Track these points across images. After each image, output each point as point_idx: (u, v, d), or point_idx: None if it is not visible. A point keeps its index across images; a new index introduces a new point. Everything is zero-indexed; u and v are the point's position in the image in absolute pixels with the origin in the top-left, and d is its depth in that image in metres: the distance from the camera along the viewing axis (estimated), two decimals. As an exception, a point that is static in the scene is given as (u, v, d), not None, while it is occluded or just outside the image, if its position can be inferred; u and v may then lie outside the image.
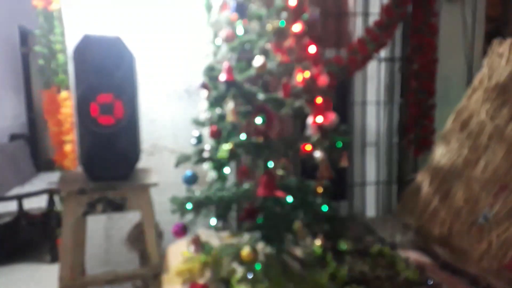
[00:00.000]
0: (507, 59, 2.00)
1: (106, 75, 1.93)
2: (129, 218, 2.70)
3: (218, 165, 2.06)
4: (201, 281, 1.85)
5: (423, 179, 2.17)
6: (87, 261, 2.19)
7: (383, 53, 2.96)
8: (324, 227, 1.83)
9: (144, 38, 2.50)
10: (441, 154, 2.14)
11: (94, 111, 1.91)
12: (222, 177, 2.12)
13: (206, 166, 2.12)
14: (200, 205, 1.80)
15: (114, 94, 1.95)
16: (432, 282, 1.82)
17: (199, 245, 1.80)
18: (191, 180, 1.89)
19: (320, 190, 1.92)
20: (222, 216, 1.90)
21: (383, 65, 3.03)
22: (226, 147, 1.64)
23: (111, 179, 1.96)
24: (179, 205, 1.80)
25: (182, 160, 1.90)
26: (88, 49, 1.90)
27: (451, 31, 3.04)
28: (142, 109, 2.59)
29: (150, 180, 2.08)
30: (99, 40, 1.91)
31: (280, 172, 2.03)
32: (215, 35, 2.07)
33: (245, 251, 1.73)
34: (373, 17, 2.81)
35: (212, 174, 2.15)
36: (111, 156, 1.97)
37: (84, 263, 2.16)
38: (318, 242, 1.75)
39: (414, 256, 2.17)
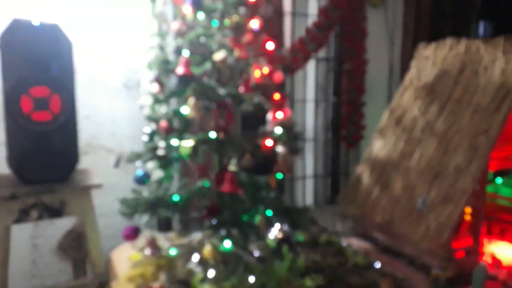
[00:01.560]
0: (433, 62, 2.25)
1: (40, 66, 1.73)
2: (60, 225, 2.44)
3: (165, 164, 1.97)
4: (156, 284, 1.76)
5: (363, 171, 2.34)
6: (9, 275, 1.94)
7: (320, 53, 3.11)
8: (283, 220, 1.87)
9: (78, 27, 2.27)
10: (379, 147, 2.33)
11: (27, 107, 1.69)
12: (168, 177, 2.03)
13: (151, 165, 2.01)
14: (154, 206, 1.70)
15: (50, 87, 1.75)
16: (379, 266, 1.98)
17: (156, 247, 1.70)
18: (143, 179, 1.78)
19: (273, 184, 1.95)
20: (181, 216, 1.83)
21: (314, 65, 3.17)
22: (189, 143, 1.57)
23: (47, 181, 1.76)
24: (130, 207, 1.68)
25: (133, 158, 1.78)
26: (18, 36, 1.67)
27: (375, 36, 3.31)
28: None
29: (92, 181, 1.91)
30: (32, 25, 1.69)
31: (232, 168, 2.01)
32: (160, 28, 1.96)
33: (207, 250, 1.68)
34: (312, 18, 2.93)
35: (158, 173, 2.05)
36: (48, 157, 1.77)
37: (6, 279, 1.90)
38: (279, 235, 1.77)
39: (356, 242, 2.33)
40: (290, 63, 2.69)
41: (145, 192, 1.87)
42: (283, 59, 2.68)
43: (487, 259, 2.03)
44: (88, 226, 1.88)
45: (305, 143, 3.17)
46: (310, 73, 3.12)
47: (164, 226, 1.95)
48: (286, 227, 2.01)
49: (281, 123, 1.78)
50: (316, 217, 2.77)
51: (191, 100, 1.59)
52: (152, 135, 1.83)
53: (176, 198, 1.75)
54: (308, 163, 3.22)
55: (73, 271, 2.49)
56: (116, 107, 2.49)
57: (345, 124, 3.12)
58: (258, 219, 1.70)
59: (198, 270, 1.79)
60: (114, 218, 2.05)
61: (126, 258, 1.97)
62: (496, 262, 1.97)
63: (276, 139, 1.71)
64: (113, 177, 2.47)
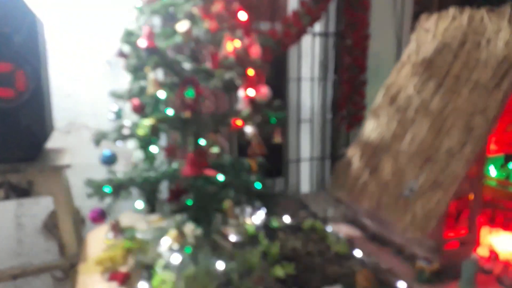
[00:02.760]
0: (433, 34, 2.04)
1: (1, 41, 1.65)
2: (45, 204, 2.43)
3: (144, 144, 1.89)
4: (124, 269, 1.70)
5: (353, 154, 2.18)
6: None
7: (317, 27, 2.92)
8: (257, 205, 1.76)
9: (59, 2, 2.19)
10: (371, 129, 2.16)
11: (-13, 83, 1.63)
12: (149, 157, 1.95)
13: (131, 145, 1.93)
14: (120, 188, 1.63)
15: (13, 63, 1.68)
16: (361, 255, 1.85)
17: (118, 230, 1.63)
18: (110, 160, 1.70)
19: (254, 167, 1.84)
20: (149, 198, 1.75)
21: (317, 41, 2.99)
22: (147, 122, 1.47)
23: (13, 161, 1.71)
24: (96, 188, 1.61)
25: (99, 137, 1.69)
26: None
27: (381, 8, 3.07)
28: (56, 82, 2.30)
29: (62, 161, 1.85)
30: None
31: (214, 150, 1.92)
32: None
33: (172, 235, 1.60)
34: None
35: (138, 154, 1.97)
36: (12, 135, 1.71)
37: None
38: (249, 220, 1.67)
39: (344, 229, 2.20)
40: (283, 38, 2.53)
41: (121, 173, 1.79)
42: (274, 34, 2.52)
43: (483, 251, 1.86)
44: (58, 206, 1.84)
45: (301, 124, 3.03)
46: (307, 50, 2.95)
47: (150, 208, 1.88)
48: (261, 213, 1.91)
49: (254, 102, 1.65)
50: (309, 202, 2.66)
51: (151, 75, 1.48)
52: (118, 113, 1.73)
53: (144, 179, 1.67)
54: (304, 146, 3.08)
55: (59, 251, 2.49)
56: (99, 85, 2.41)
57: (344, 104, 2.95)
58: (227, 204, 1.59)
59: (168, 255, 1.72)
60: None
61: (100, 241, 1.93)
62: (493, 254, 1.80)
63: (245, 119, 1.58)
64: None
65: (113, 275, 1.63)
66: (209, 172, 1.74)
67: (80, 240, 2.05)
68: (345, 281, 1.64)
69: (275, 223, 1.91)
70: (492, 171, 2.37)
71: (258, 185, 1.83)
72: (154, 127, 1.46)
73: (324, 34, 2.94)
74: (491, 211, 2.19)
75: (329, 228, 2.05)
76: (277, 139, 1.90)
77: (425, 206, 1.66)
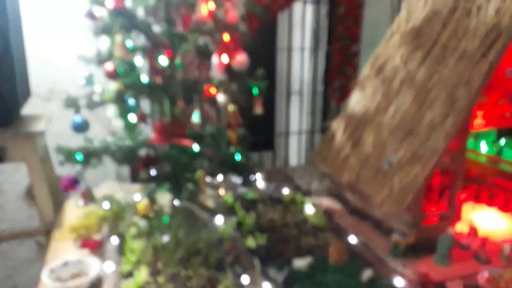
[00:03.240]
0: (425, 2, 1.93)
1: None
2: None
3: (123, 112, 1.84)
4: (98, 237, 1.69)
5: (338, 127, 2.13)
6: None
7: (309, -6, 2.80)
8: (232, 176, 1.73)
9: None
10: (356, 101, 2.09)
11: None
12: (128, 126, 1.90)
13: (110, 113, 1.88)
14: (91, 155, 1.59)
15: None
16: (336, 227, 1.83)
17: (89, 198, 1.61)
18: (81, 127, 1.65)
19: (233, 138, 1.79)
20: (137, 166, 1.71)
21: (309, 9, 2.87)
22: (113, 87, 1.42)
23: (-17, 126, 1.67)
24: (66, 155, 1.58)
25: (69, 103, 1.65)
26: None
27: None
28: (34, 48, 2.24)
29: (36, 128, 1.81)
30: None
31: (195, 119, 1.87)
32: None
33: (141, 204, 1.58)
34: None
35: (116, 122, 1.93)
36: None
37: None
38: (221, 191, 1.64)
39: (326, 202, 2.17)
40: (270, 4, 2.42)
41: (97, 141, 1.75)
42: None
43: (463, 227, 1.83)
44: (32, 173, 1.81)
45: (291, 97, 2.96)
46: (298, 18, 2.83)
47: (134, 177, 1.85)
48: (236, 184, 1.88)
49: (231, 70, 1.58)
50: (295, 175, 2.63)
51: (118, 38, 1.42)
52: (89, 79, 1.68)
53: (118, 148, 1.63)
54: (294, 119, 3.02)
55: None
56: (81, 50, 2.34)
57: (336, 75, 2.86)
58: (199, 174, 1.56)
59: (143, 223, 1.71)
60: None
61: (78, 208, 1.92)
62: (472, 230, 1.77)
63: (218, 87, 1.52)
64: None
65: (85, 243, 1.62)
66: (185, 142, 1.70)
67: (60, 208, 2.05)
68: (318, 253, 1.62)
69: (250, 195, 1.88)
70: (483, 147, 2.31)
71: (237, 157, 1.80)
72: (120, 92, 1.41)
73: (316, 1, 2.82)
74: (476, 187, 2.16)
75: (310, 201, 2.02)
76: (258, 110, 1.85)
77: (402, 180, 1.61)
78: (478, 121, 1.92)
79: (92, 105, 1.64)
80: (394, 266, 1.57)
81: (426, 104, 1.69)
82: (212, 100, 1.54)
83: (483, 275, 1.47)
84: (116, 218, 1.78)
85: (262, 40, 2.92)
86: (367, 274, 1.43)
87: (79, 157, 1.60)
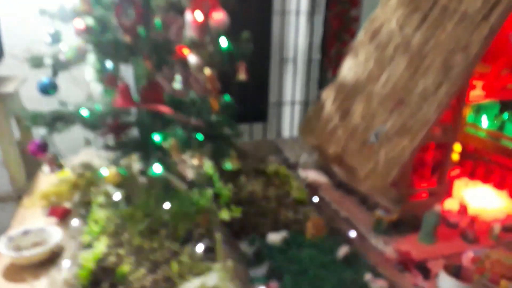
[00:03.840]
0: (426, -41, 1.75)
1: None
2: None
3: (100, 75, 1.72)
4: (68, 204, 1.63)
5: (327, 97, 2.00)
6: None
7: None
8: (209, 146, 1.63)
9: None
10: (348, 68, 1.96)
11: None
12: (109, 91, 1.80)
13: (88, 75, 1.77)
14: (57, 120, 1.50)
15: None
16: (317, 200, 1.74)
17: (55, 165, 1.53)
18: (47, 88, 1.55)
19: (214, 106, 1.68)
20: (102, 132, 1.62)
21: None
22: (74, 45, 1.30)
23: None
24: (31, 119, 1.49)
25: (35, 63, 1.53)
26: None
27: None
28: (7, 5, 2.11)
29: (4, 89, 1.72)
30: None
31: (177, 85, 1.76)
32: None
33: (109, 172, 1.50)
34: None
35: (95, 86, 1.82)
36: None
37: None
38: (195, 161, 1.55)
39: (313, 175, 2.08)
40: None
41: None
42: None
43: (453, 204, 1.74)
44: (1, 136, 1.73)
45: (286, 65, 2.81)
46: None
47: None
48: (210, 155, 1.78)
49: (206, 28, 1.45)
50: (285, 147, 2.52)
51: (80, -10, 1.29)
52: (56, 37, 1.55)
53: (84, 112, 1.53)
54: (288, 88, 2.88)
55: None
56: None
57: (333, 42, 2.70)
58: (170, 142, 1.46)
59: (115, 192, 1.63)
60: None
61: (53, 175, 1.85)
62: (462, 208, 1.68)
63: (191, 47, 1.40)
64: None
65: (52, 210, 1.55)
66: (161, 108, 1.59)
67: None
68: (295, 227, 1.54)
69: (228, 166, 1.79)
70: (484, 122, 2.18)
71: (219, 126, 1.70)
72: (81, 50, 1.29)
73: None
74: (472, 163, 2.04)
75: (294, 174, 1.92)
76: (241, 76, 1.73)
77: (388, 153, 1.50)
78: (477, 92, 1.78)
79: (59, 65, 1.52)
80: (375, 243, 1.48)
81: (420, 71, 1.55)
82: (185, 62, 1.42)
83: (468, 255, 1.38)
84: (89, 186, 1.71)
85: (257, 2, 2.75)
86: (343, 251, 1.35)
87: (42, 120, 1.50)
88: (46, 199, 1.66)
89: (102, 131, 1.43)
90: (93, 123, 1.54)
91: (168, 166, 1.60)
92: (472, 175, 2.01)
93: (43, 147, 1.57)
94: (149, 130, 1.50)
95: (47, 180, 1.82)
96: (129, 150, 1.45)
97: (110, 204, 1.48)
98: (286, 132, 3.02)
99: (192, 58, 1.40)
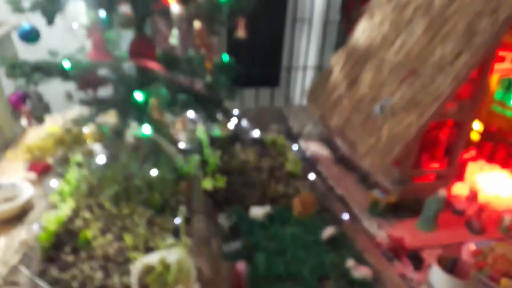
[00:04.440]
0: None
1: None
2: None
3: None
4: (51, 160, 1.57)
5: (336, 62, 1.82)
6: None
7: None
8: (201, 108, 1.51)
9: None
10: (362, 31, 1.76)
11: None
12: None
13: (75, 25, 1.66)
14: (35, 70, 1.40)
15: None
16: (313, 175, 1.61)
17: (32, 118, 1.46)
18: (28, 35, 1.45)
19: (208, 64, 1.55)
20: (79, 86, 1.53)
21: None
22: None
23: None
24: (9, 68, 1.40)
25: (14, 6, 1.43)
26: None
27: None
28: None
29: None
30: None
31: (173, 41, 1.63)
32: None
33: (88, 130, 1.41)
34: None
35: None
36: None
37: None
38: (178, 125, 1.44)
39: (314, 148, 1.94)
40: None
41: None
42: None
43: (463, 189, 1.57)
44: (-13, 87, 1.67)
45: (301, 25, 2.60)
46: None
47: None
48: (198, 118, 1.67)
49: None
50: (292, 115, 2.37)
51: None
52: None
53: (66, 64, 1.43)
54: (301, 52, 2.69)
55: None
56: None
57: (353, 2, 2.46)
58: (151, 102, 1.34)
59: (99, 151, 1.56)
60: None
61: (43, 130, 1.79)
62: (472, 194, 1.51)
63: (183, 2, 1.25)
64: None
65: (33, 165, 1.50)
66: (150, 64, 1.47)
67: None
68: (284, 202, 1.43)
69: (217, 132, 1.67)
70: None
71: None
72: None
73: None
74: (492, 145, 1.84)
75: (291, 145, 1.79)
76: (240, 33, 1.58)
77: (392, 129, 1.34)
78: (505, 65, 1.56)
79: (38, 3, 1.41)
80: (367, 226, 1.36)
81: (439, 37, 1.35)
82: (166, 12, 1.28)
83: (469, 248, 1.24)
84: (74, 143, 1.65)
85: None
86: (328, 232, 1.23)
87: (20, 71, 1.41)
88: (30, 152, 1.61)
89: (79, 84, 1.33)
90: (73, 76, 1.44)
91: (158, 128, 1.50)
92: (491, 158, 1.82)
93: (23, 99, 1.50)
94: (131, 87, 1.39)
95: (36, 134, 1.77)
96: (105, 106, 1.34)
97: (87, 163, 1.40)
98: (297, 99, 2.85)
99: (175, 8, 1.25)
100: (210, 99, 1.48)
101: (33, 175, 1.47)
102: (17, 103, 1.49)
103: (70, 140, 1.66)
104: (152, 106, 1.35)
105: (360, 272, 1.09)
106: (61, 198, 1.24)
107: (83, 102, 1.34)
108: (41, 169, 1.49)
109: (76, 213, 1.18)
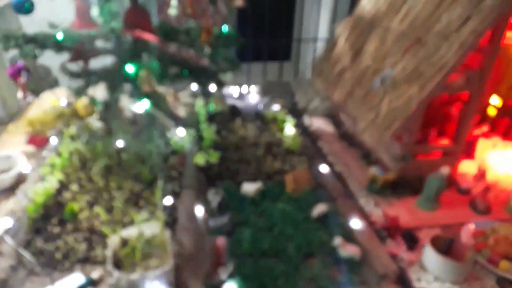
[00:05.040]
0: None
1: None
2: None
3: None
4: (50, 134, 1.58)
5: (342, 32, 1.72)
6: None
7: None
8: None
9: None
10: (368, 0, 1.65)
11: None
12: (104, 13, 1.66)
13: None
14: (28, 42, 1.40)
15: None
16: (314, 152, 1.56)
17: (27, 91, 1.46)
18: (21, 6, 1.44)
19: (204, 37, 1.51)
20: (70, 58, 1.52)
21: None
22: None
23: None
24: (2, 40, 1.40)
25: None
26: None
27: None
28: None
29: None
30: None
31: (172, 12, 1.59)
32: None
33: (80, 104, 1.41)
34: None
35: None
36: None
37: None
38: (170, 97, 1.41)
39: (318, 123, 1.88)
40: None
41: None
42: None
43: (471, 167, 1.49)
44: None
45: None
46: None
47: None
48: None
49: None
50: (300, 89, 2.30)
51: None
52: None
53: (60, 36, 1.41)
54: (310, 23, 2.58)
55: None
56: None
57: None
58: (142, 73, 1.32)
59: (97, 125, 1.57)
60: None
61: (47, 104, 1.81)
62: (480, 173, 1.43)
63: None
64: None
65: (32, 139, 1.52)
66: (146, 35, 1.44)
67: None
68: (279, 178, 1.40)
69: (212, 107, 1.64)
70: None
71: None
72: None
73: None
74: (509, 121, 1.73)
75: (291, 121, 1.73)
76: (238, 2, 1.53)
77: (392, 103, 1.27)
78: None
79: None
80: (364, 203, 1.31)
81: (446, 2, 1.24)
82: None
83: (469, 228, 1.18)
84: (74, 117, 1.66)
85: None
86: (319, 209, 1.19)
87: (13, 42, 1.40)
88: (31, 126, 1.63)
89: (70, 56, 1.32)
90: (67, 48, 1.43)
91: (156, 102, 1.48)
92: (506, 135, 1.71)
93: (20, 71, 1.51)
94: (123, 59, 1.36)
95: (40, 108, 1.79)
96: (95, 79, 1.33)
97: (82, 137, 1.41)
98: (308, 73, 2.76)
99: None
100: (204, 72, 1.44)
101: (31, 148, 1.49)
102: (15, 75, 1.50)
103: (70, 114, 1.67)
104: (143, 79, 1.33)
105: (348, 250, 1.05)
106: (51, 170, 1.25)
107: (73, 75, 1.32)
108: (39, 142, 1.51)
109: (65, 185, 1.19)
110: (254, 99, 2.13)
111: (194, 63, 1.46)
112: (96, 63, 1.38)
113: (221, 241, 0.99)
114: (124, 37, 1.43)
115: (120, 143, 1.37)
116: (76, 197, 1.15)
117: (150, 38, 1.40)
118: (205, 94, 1.44)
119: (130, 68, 1.32)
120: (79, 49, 1.32)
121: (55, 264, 0.97)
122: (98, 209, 1.08)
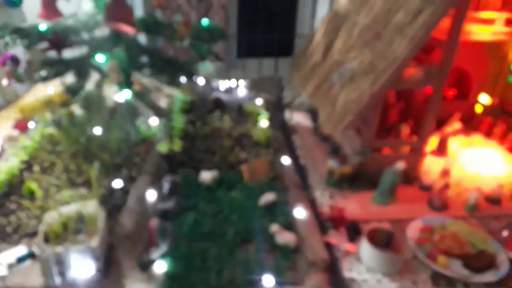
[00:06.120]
0: None
1: None
2: None
3: None
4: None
5: (320, 27, 1.73)
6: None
7: None
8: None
9: None
10: (345, -7, 1.64)
11: None
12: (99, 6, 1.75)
13: None
14: (15, 33, 1.50)
15: None
16: (281, 145, 1.58)
17: (13, 78, 1.56)
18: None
19: (182, 31, 1.56)
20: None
21: None
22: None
23: None
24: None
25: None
26: None
27: None
28: None
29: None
30: None
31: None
32: None
33: (56, 92, 1.49)
34: None
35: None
36: None
37: None
38: (136, 86, 1.47)
39: (298, 118, 1.89)
40: None
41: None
42: None
43: (439, 163, 1.46)
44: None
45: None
46: None
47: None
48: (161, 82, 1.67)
49: None
50: (289, 84, 2.31)
51: None
52: None
53: (43, 27, 1.51)
54: (304, 19, 2.57)
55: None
56: None
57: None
58: (110, 64, 1.39)
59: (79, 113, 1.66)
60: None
61: (44, 91, 1.93)
62: (445, 170, 1.39)
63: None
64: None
65: (18, 124, 1.63)
66: (124, 27, 1.51)
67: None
68: (239, 169, 1.43)
69: (180, 97, 1.68)
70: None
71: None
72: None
73: None
74: (491, 120, 1.67)
75: (265, 115, 1.75)
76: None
77: (347, 97, 1.27)
78: (496, 28, 1.37)
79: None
80: (319, 195, 1.32)
81: (405, -5, 1.23)
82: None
83: (415, 224, 1.16)
84: (62, 104, 1.75)
85: None
86: (266, 197, 1.22)
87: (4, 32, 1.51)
88: (23, 112, 1.74)
89: (45, 46, 1.40)
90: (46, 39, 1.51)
91: (139, 93, 1.55)
92: (488, 134, 1.66)
93: (8, 59, 1.61)
94: (93, 49, 1.44)
95: (35, 96, 1.90)
96: (64, 68, 1.40)
97: (57, 123, 1.50)
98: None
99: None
100: (172, 63, 1.49)
101: (16, 133, 1.60)
102: (3, 62, 1.61)
103: (58, 101, 1.77)
104: (110, 69, 1.39)
105: (284, 237, 1.07)
106: (17, 152, 1.34)
107: (44, 63, 1.41)
108: (25, 128, 1.61)
109: (30, 166, 1.28)
110: (242, 93, 2.16)
111: (162, 54, 1.52)
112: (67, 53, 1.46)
113: (154, 222, 1.03)
114: (104, 29, 1.51)
115: (97, 131, 1.45)
116: (37, 177, 1.23)
117: (128, 30, 1.47)
118: (173, 84, 1.49)
119: (101, 58, 1.40)
120: (54, 39, 1.40)
121: (5, 237, 1.05)
122: (52, 189, 1.15)
